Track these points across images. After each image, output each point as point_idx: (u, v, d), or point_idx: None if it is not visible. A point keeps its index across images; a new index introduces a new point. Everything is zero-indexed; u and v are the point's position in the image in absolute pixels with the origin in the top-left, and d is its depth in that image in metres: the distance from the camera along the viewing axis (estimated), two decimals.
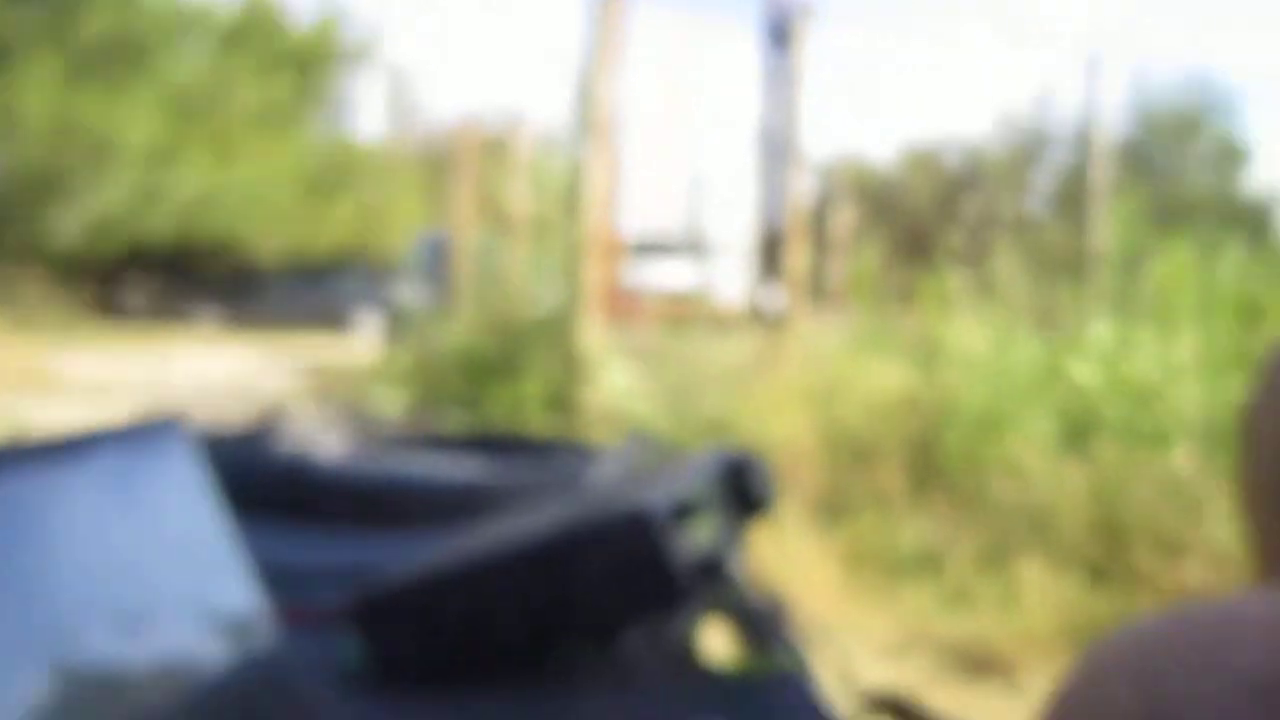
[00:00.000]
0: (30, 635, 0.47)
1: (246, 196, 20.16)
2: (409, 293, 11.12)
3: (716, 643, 0.86)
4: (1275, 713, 0.38)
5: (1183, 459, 3.60)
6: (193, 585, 0.60)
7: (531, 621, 0.82)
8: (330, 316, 19.13)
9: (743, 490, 0.99)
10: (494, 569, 0.83)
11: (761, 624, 0.90)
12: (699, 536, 0.86)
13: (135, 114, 18.23)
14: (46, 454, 0.52)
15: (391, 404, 6.27)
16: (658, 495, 0.82)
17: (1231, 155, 21.70)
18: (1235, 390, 3.83)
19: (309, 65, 22.95)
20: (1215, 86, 22.51)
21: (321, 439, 1.53)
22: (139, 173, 18.61)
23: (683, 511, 0.84)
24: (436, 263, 10.75)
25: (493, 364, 5.88)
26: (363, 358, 10.67)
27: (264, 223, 20.87)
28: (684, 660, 0.85)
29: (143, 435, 0.59)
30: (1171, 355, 4.27)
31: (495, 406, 5.40)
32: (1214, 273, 5.25)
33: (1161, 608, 0.45)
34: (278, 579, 0.70)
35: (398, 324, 9.33)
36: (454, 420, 5.25)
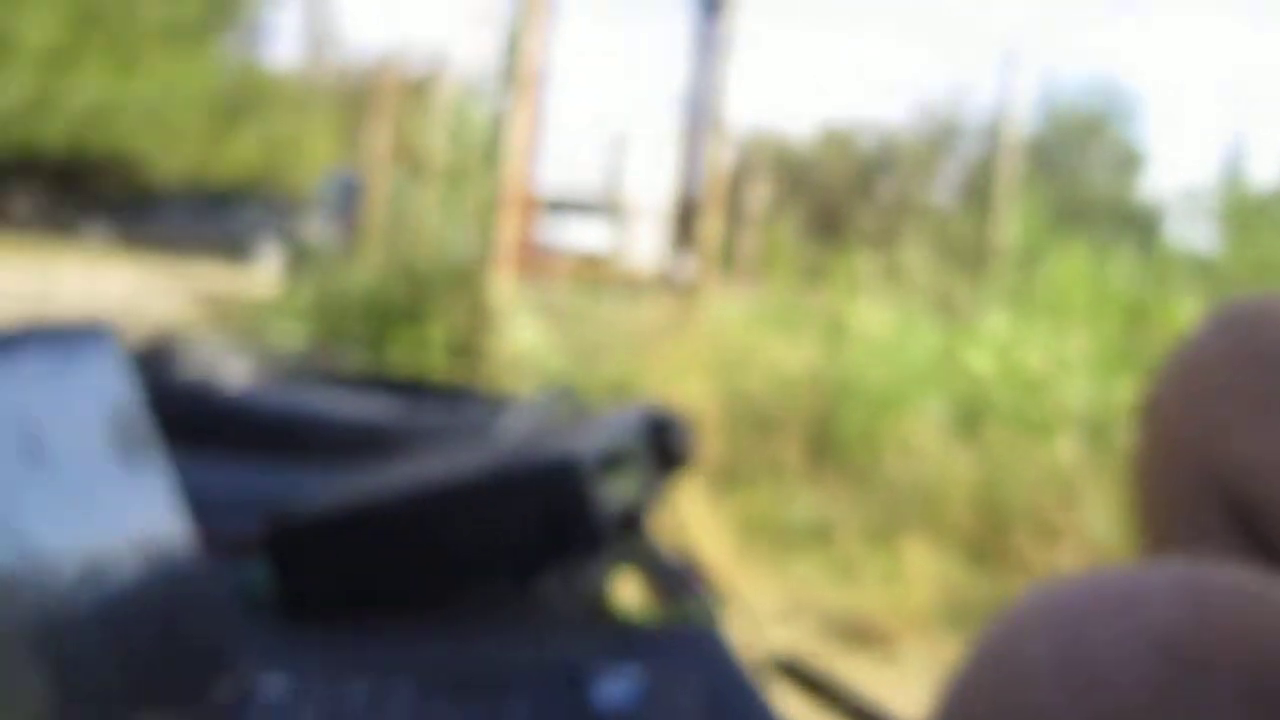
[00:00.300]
0: None
1: (147, 112, 19.37)
2: (315, 228, 10.86)
3: (629, 595, 0.87)
4: (1183, 666, 0.40)
5: (1065, 449, 3.75)
6: (116, 497, 0.58)
7: (448, 560, 0.82)
8: (229, 245, 18.56)
9: (664, 446, 1.00)
10: (413, 505, 0.82)
11: (674, 578, 0.92)
12: (622, 489, 0.86)
13: (33, 15, 17.33)
14: None
15: (291, 338, 6.13)
16: (587, 444, 0.83)
17: (1129, 160, 22.48)
18: (1119, 387, 4.00)
19: None
20: (1119, 91, 23.26)
21: (222, 366, 1.49)
22: (32, 75, 17.72)
23: (609, 463, 0.84)
24: (346, 201, 10.51)
25: (398, 307, 5.79)
26: (262, 289, 10.38)
27: (164, 141, 20.09)
28: (598, 608, 0.86)
29: (72, 338, 0.56)
30: (1062, 350, 4.43)
31: (398, 350, 5.33)
32: (1106, 274, 5.46)
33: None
34: (184, 505, 0.69)
35: (301, 259, 9.09)
36: (356, 359, 5.17)
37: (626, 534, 0.87)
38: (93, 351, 0.58)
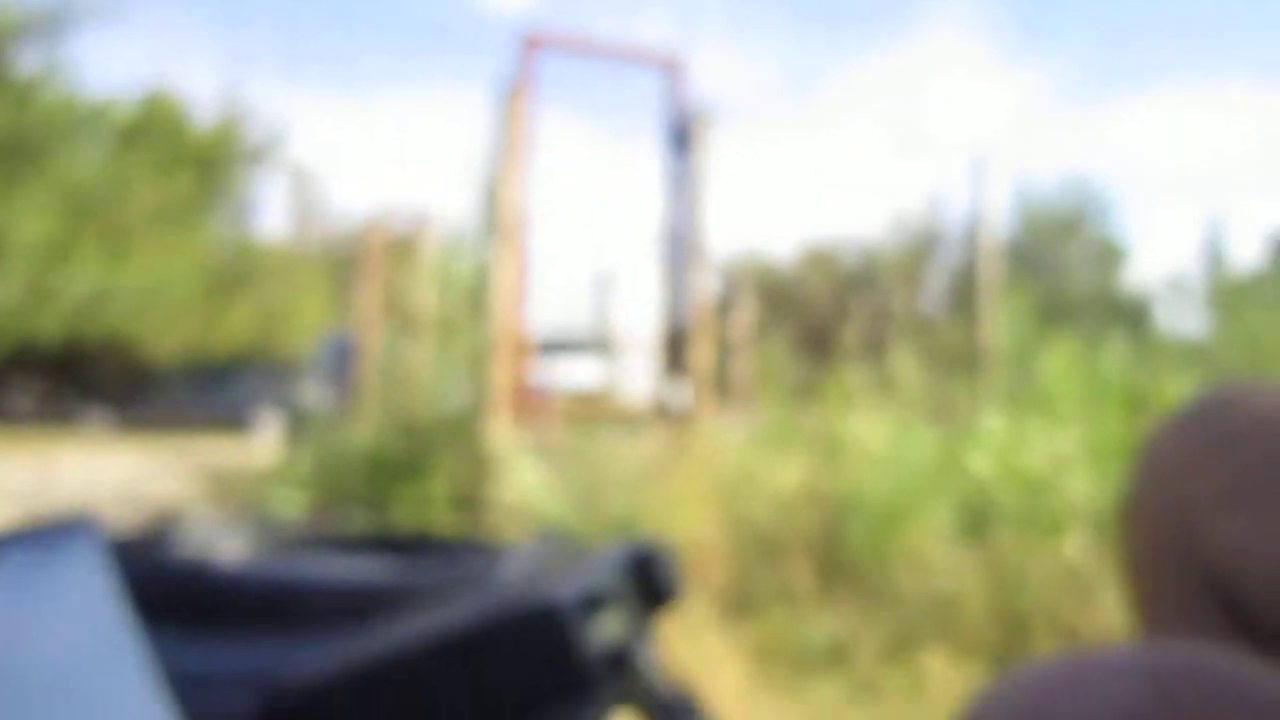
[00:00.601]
0: None
1: (142, 295, 19.73)
2: (312, 393, 10.94)
3: None
4: None
5: (1073, 546, 3.72)
6: (98, 696, 0.59)
7: (440, 716, 0.82)
8: (228, 417, 18.67)
9: (650, 581, 1.01)
10: (402, 666, 0.83)
11: (671, 714, 0.91)
12: (607, 628, 0.87)
13: (28, 211, 17.80)
14: None
15: (292, 506, 6.12)
16: (565, 588, 0.84)
17: (1110, 254, 22.84)
18: (1121, 477, 3.98)
19: (210, 164, 22.78)
20: (1091, 189, 23.78)
21: (220, 542, 1.50)
22: (29, 271, 18.09)
23: (591, 604, 0.85)
24: (340, 363, 10.62)
25: (398, 464, 5.80)
26: (262, 459, 10.40)
27: (160, 322, 20.40)
28: None
29: (52, 536, 0.58)
30: (1060, 445, 4.43)
31: (401, 507, 5.32)
32: (1098, 365, 5.49)
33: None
34: (180, 687, 0.70)
35: (299, 424, 9.14)
36: (358, 521, 5.15)
37: (617, 673, 0.87)
38: (75, 548, 0.60)
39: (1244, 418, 0.67)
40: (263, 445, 13.99)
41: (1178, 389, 4.97)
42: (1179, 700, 0.43)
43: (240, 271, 22.54)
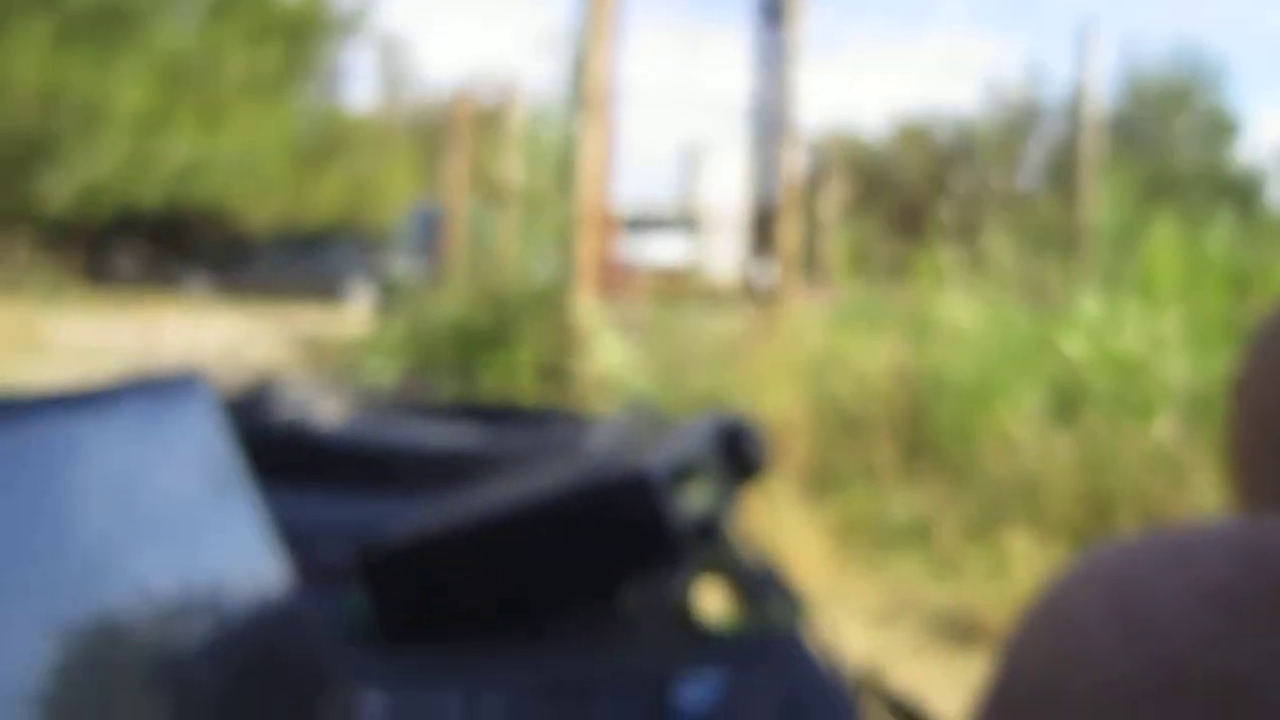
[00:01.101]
0: (53, 587, 0.49)
1: (236, 165, 20.06)
2: (401, 263, 11.10)
3: (712, 602, 0.89)
4: (1237, 616, 0.41)
5: (1166, 429, 3.64)
6: (215, 536, 0.62)
7: (533, 578, 0.85)
8: (321, 287, 19.09)
9: (738, 454, 1.02)
10: (495, 528, 0.85)
11: (756, 584, 0.93)
12: (696, 498, 0.88)
13: (124, 80, 18.09)
14: (70, 403, 0.53)
15: (384, 373, 6.28)
16: (657, 458, 0.85)
17: (1221, 127, 21.72)
18: (1219, 362, 3.87)
19: (299, 34, 22.76)
20: (1204, 58, 22.49)
21: (318, 405, 1.55)
22: (128, 139, 18.49)
23: (681, 474, 0.86)
24: (429, 234, 10.73)
25: (485, 335, 5.90)
26: (354, 328, 10.66)
27: (254, 192, 20.78)
28: (681, 617, 0.88)
29: (167, 388, 0.61)
30: (1158, 328, 4.31)
31: (488, 377, 5.42)
32: (1202, 246, 5.28)
33: None
34: (284, 538, 0.73)
35: (390, 295, 9.32)
36: (446, 389, 5.27)
37: (705, 542, 0.88)
38: (189, 400, 0.62)
39: None
40: (354, 314, 14.32)
41: None
42: (1274, 576, 0.42)
43: (330, 142, 22.72)
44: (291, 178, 21.31)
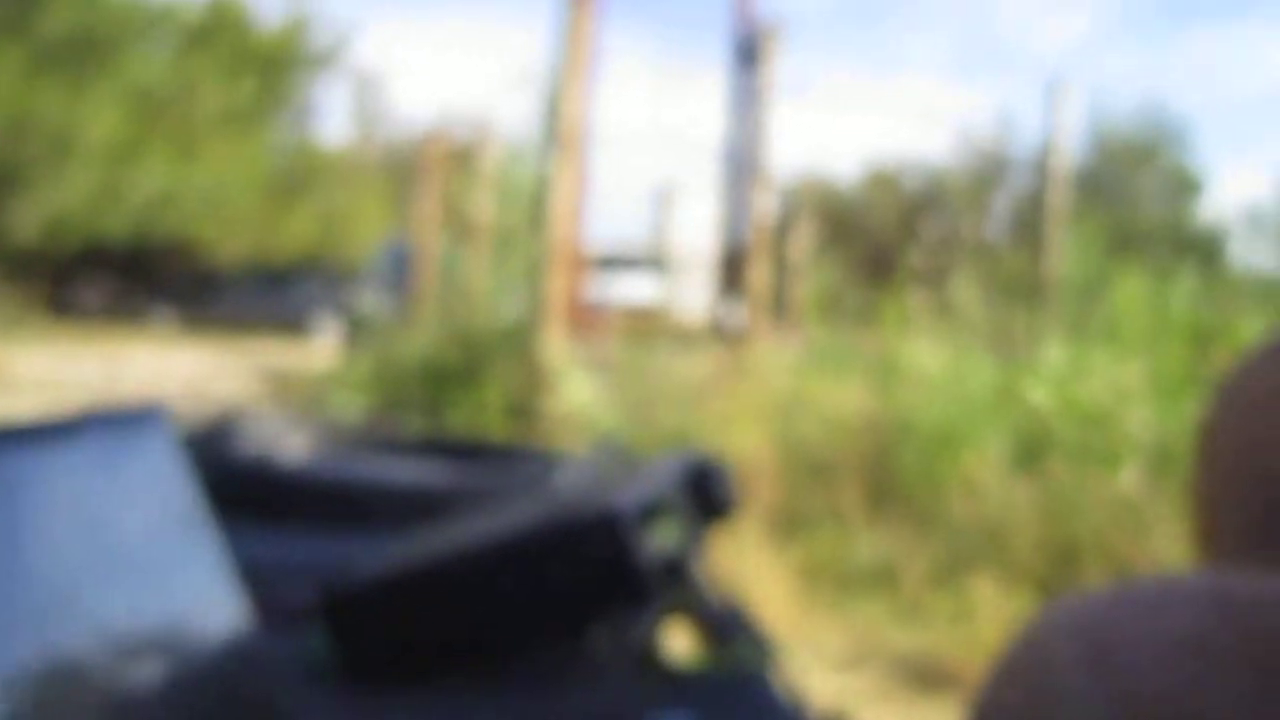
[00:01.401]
0: (10, 621, 0.48)
1: (206, 197, 19.95)
2: (370, 299, 11.07)
3: (680, 642, 0.88)
4: (1205, 662, 0.41)
5: (1130, 479, 3.68)
6: (173, 573, 0.61)
7: (499, 618, 0.84)
8: (289, 321, 18.98)
9: (707, 494, 1.01)
10: (463, 566, 0.85)
11: (723, 625, 0.93)
12: (664, 538, 0.88)
13: (96, 111, 18.00)
14: (29, 436, 0.52)
15: (351, 409, 6.23)
16: (626, 497, 0.84)
17: (1184, 184, 22.14)
18: (1183, 413, 3.92)
19: (274, 67, 22.77)
20: (1169, 117, 22.96)
21: (282, 440, 1.53)
22: (98, 170, 18.36)
23: (649, 513, 0.86)
24: (399, 270, 10.71)
25: (454, 372, 5.87)
26: (322, 363, 10.59)
27: (224, 224, 20.67)
28: (648, 658, 0.87)
29: (127, 421, 0.60)
30: (1123, 378, 4.36)
31: (455, 414, 5.40)
32: (1166, 299, 5.37)
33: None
34: (245, 576, 0.71)
35: (358, 330, 9.28)
36: (414, 426, 5.24)
37: (673, 582, 0.88)
38: (148, 434, 0.61)
39: None
40: (322, 349, 14.23)
41: (1249, 325, 4.85)
42: (1247, 626, 0.43)
43: (301, 176, 22.68)
44: (262, 211, 21.22)
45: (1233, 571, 0.50)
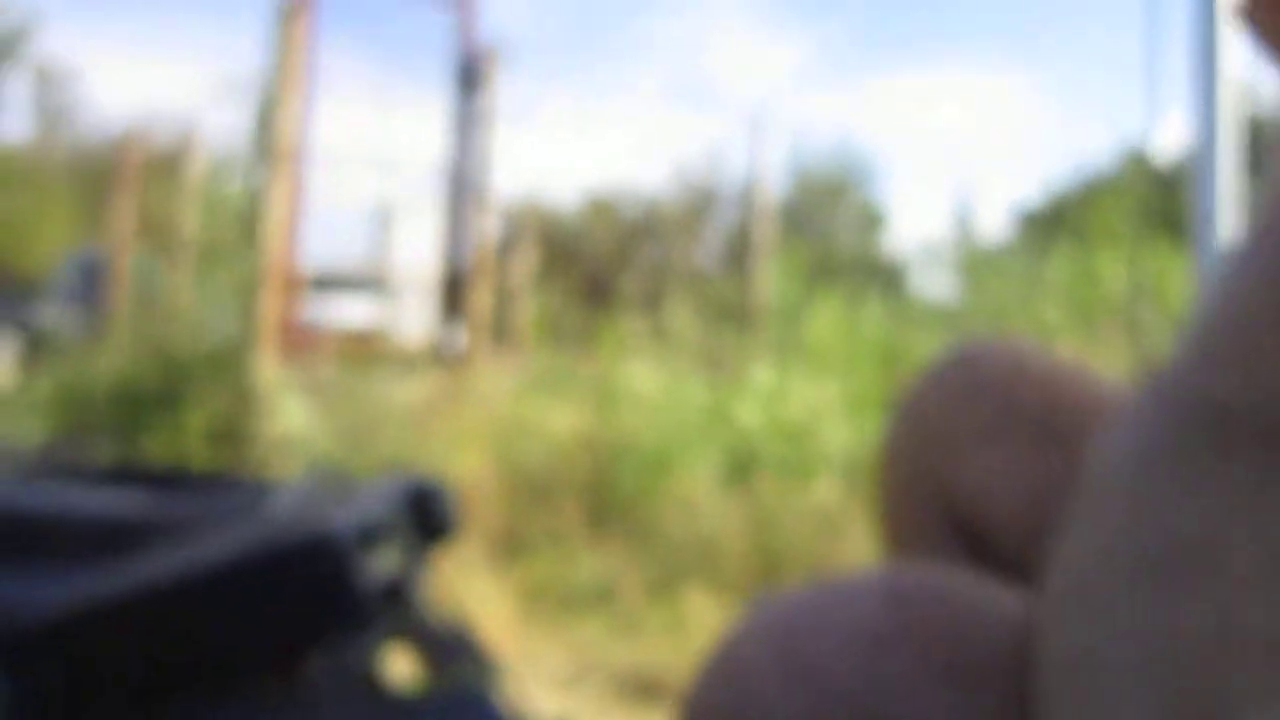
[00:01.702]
0: None
1: None
2: (53, 314, 10.13)
3: (400, 666, 0.86)
4: (883, 649, 0.45)
5: (826, 490, 3.96)
6: None
7: (206, 654, 0.79)
8: None
9: (426, 516, 1.00)
10: (163, 596, 0.79)
11: (444, 648, 0.92)
12: (383, 561, 0.86)
13: None
14: None
15: (29, 434, 5.67)
16: (342, 519, 0.82)
17: (872, 218, 24.10)
18: (873, 428, 4.27)
19: None
20: (857, 155, 24.96)
21: None
22: None
23: (367, 536, 0.84)
24: (88, 284, 9.88)
25: (151, 395, 5.47)
26: None
27: None
28: (369, 683, 0.85)
29: None
30: (820, 397, 4.68)
31: (153, 441, 5.02)
32: (859, 324, 5.82)
33: None
34: None
35: (38, 347, 8.46)
36: (103, 452, 4.83)
37: (392, 606, 0.86)
38: None
39: (987, 371, 0.73)
40: None
41: (928, 348, 5.33)
42: (914, 614, 0.47)
43: None
44: None
45: (907, 566, 0.55)
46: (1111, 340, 4.86)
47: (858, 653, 0.45)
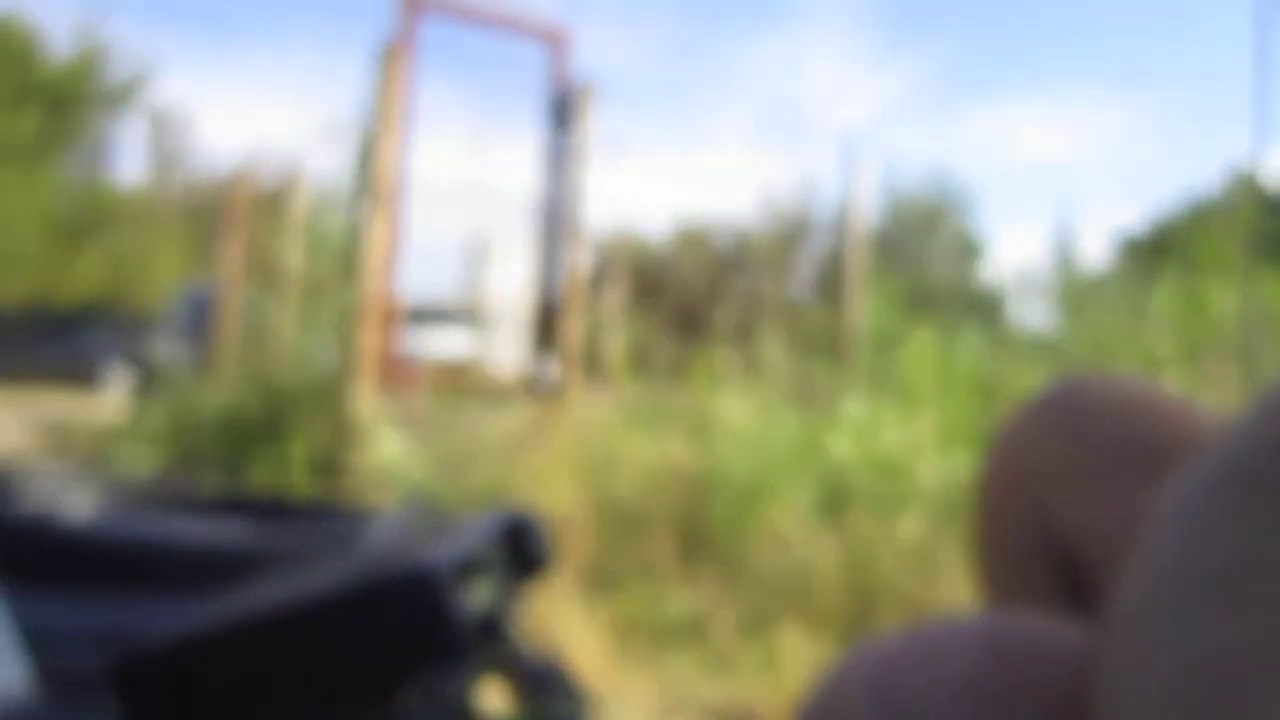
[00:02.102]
0: None
1: None
2: (166, 348, 10.53)
3: (494, 701, 0.87)
4: (982, 703, 0.45)
5: (921, 526, 3.88)
6: None
7: (307, 682, 0.81)
8: (76, 371, 17.77)
9: (521, 550, 1.02)
10: (266, 628, 0.82)
11: (538, 682, 0.93)
12: (478, 595, 0.87)
13: None
14: None
15: (141, 464, 5.89)
16: (439, 553, 0.84)
17: (968, 248, 23.74)
18: (967, 462, 4.18)
19: (63, 101, 21.57)
20: (953, 184, 24.66)
21: (66, 497, 1.44)
22: None
23: (463, 570, 0.85)
24: (199, 318, 10.25)
25: (256, 425, 5.64)
26: (110, 415, 9.97)
27: (3, 268, 19.29)
28: (462, 717, 0.86)
29: None
30: (915, 430, 4.60)
31: (257, 470, 5.18)
32: (953, 356, 5.72)
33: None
34: (27, 642, 0.67)
35: (151, 380, 8.80)
36: (212, 482, 4.99)
37: (487, 640, 0.87)
38: None
39: (1089, 407, 0.71)
40: (111, 401, 13.42)
41: (1025, 380, 5.21)
42: (1016, 665, 0.47)
43: (91, 218, 21.46)
44: (47, 254, 19.94)
45: (1008, 615, 0.54)
46: (1220, 371, 4.70)
47: (957, 707, 0.45)
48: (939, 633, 0.51)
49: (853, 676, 0.49)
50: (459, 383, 6.46)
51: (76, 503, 1.42)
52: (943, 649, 0.48)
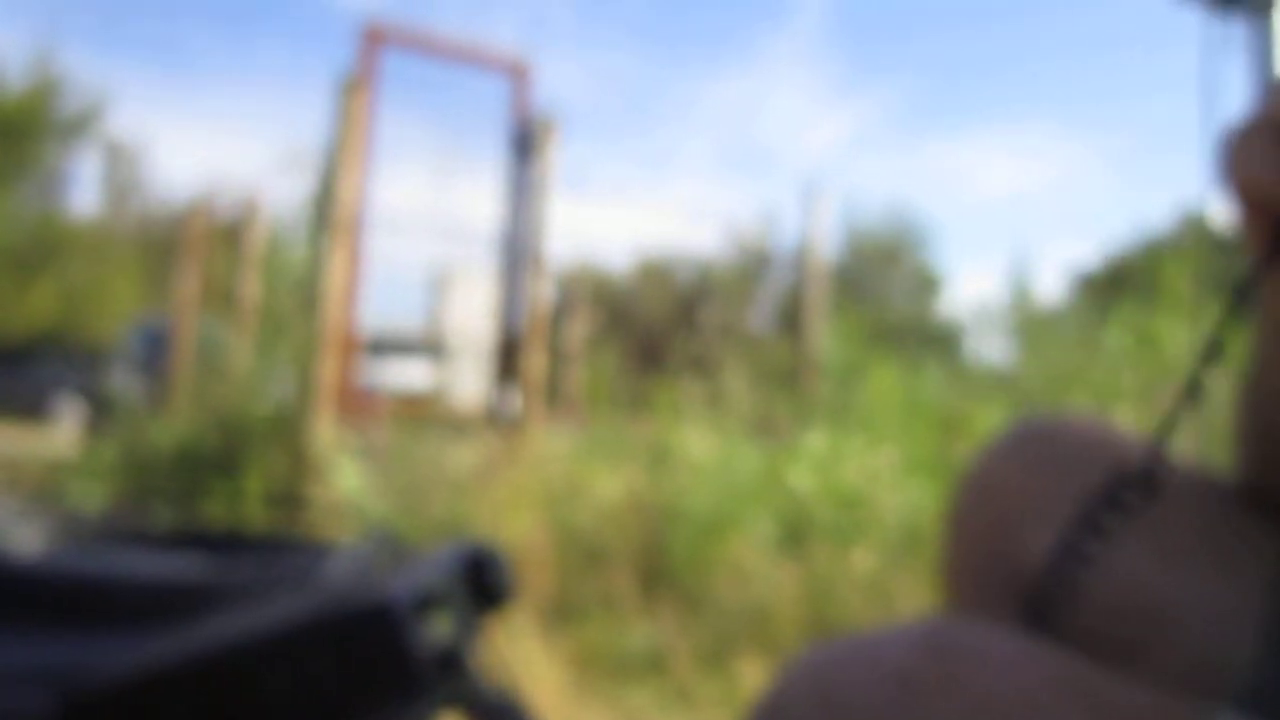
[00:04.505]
0: None
1: None
2: (119, 380, 10.37)
3: None
4: (916, 695, 0.46)
5: (879, 557, 3.90)
6: None
7: (261, 717, 0.80)
8: (27, 404, 17.44)
9: (482, 582, 1.00)
10: (221, 663, 0.80)
11: (497, 714, 0.91)
12: (439, 628, 0.86)
13: None
14: None
15: (92, 498, 5.78)
16: (399, 587, 0.83)
17: (927, 282, 24.01)
18: (928, 493, 4.20)
19: (16, 133, 21.31)
20: (912, 219, 24.95)
21: (14, 532, 1.41)
22: None
23: (423, 603, 0.84)
24: (152, 350, 10.12)
25: (211, 459, 5.56)
26: (61, 448, 9.79)
27: None
28: None
29: None
30: (875, 462, 4.63)
31: (212, 505, 5.10)
32: (914, 389, 5.77)
33: None
34: None
35: (104, 413, 8.66)
36: (165, 517, 4.91)
37: (447, 674, 0.86)
38: None
39: (1051, 448, 0.73)
40: (62, 434, 13.18)
41: (984, 414, 5.26)
42: (951, 660, 0.48)
43: (45, 249, 21.16)
44: None
45: (952, 618, 0.56)
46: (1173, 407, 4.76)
47: (894, 699, 0.46)
48: (881, 633, 0.52)
49: (797, 676, 0.50)
50: (419, 414, 6.42)
51: (25, 538, 1.39)
52: (882, 647, 0.50)
